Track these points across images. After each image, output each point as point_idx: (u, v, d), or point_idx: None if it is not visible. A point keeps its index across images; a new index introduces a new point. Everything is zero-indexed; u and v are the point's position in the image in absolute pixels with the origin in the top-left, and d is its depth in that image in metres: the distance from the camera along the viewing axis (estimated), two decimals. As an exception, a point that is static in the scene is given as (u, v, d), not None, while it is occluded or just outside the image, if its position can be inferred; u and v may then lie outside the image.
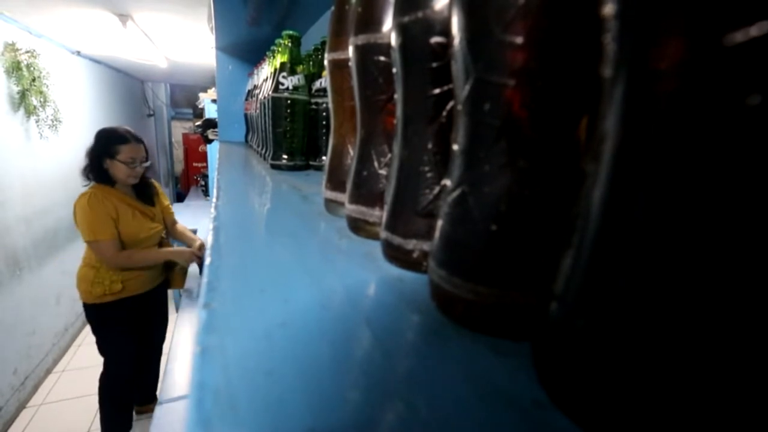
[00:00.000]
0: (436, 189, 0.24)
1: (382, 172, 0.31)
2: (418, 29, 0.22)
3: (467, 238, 0.18)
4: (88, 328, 1.65)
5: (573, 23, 0.15)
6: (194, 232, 1.82)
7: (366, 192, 0.32)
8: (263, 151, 0.85)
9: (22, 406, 2.07)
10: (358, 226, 0.33)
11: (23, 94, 2.22)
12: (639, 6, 0.10)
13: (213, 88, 2.32)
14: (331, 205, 0.40)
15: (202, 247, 1.61)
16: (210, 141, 1.88)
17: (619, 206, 0.11)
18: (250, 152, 1.09)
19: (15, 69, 2.14)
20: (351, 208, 0.33)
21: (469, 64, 0.17)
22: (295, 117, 0.70)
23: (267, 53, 0.84)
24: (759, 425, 0.10)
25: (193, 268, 1.76)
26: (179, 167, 5.73)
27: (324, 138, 0.69)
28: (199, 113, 3.66)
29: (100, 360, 1.54)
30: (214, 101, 2.22)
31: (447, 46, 0.21)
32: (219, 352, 0.17)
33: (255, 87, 1.02)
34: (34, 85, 2.28)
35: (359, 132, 0.33)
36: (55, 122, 2.51)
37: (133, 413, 1.68)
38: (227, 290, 0.22)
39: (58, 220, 2.60)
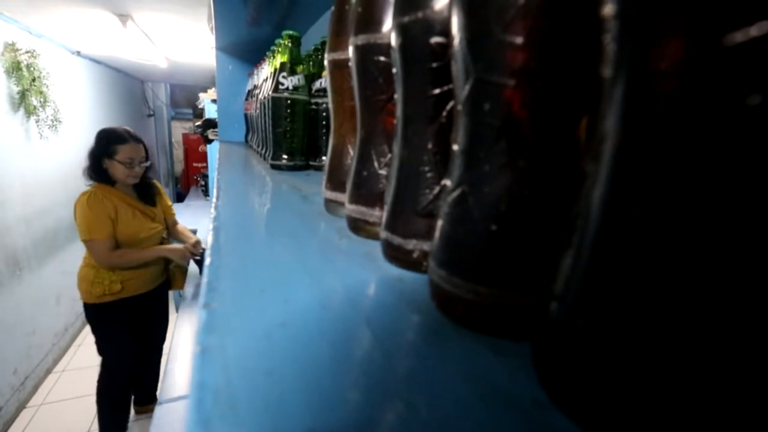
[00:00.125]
0: (436, 189, 0.24)
1: (382, 172, 0.31)
2: (418, 29, 0.22)
3: (467, 238, 0.18)
4: (88, 328, 1.65)
5: (573, 23, 0.15)
6: (194, 232, 1.82)
7: (366, 192, 0.32)
8: (263, 151, 0.85)
9: (22, 406, 2.07)
10: (358, 226, 0.33)
11: (23, 94, 2.22)
12: (639, 6, 0.10)
13: (213, 88, 2.32)
14: (331, 205, 0.40)
15: (197, 244, 1.60)
16: (210, 141, 1.88)
17: (619, 206, 0.11)
18: (250, 152, 1.09)
19: (15, 69, 2.15)
20: (351, 208, 0.33)
21: (469, 64, 0.17)
22: (295, 117, 0.70)
23: (267, 53, 0.84)
24: (758, 425, 0.10)
25: (193, 268, 1.76)
26: (179, 167, 5.73)
27: (324, 138, 0.69)
28: (199, 113, 3.66)
29: (100, 360, 1.54)
30: (214, 101, 2.22)
31: (447, 46, 0.21)
32: (219, 352, 0.17)
33: (255, 87, 1.02)
34: (34, 85, 2.28)
35: (359, 132, 0.33)
36: (55, 122, 2.52)
37: (132, 413, 1.68)
38: (227, 290, 0.22)
39: (58, 220, 2.60)
